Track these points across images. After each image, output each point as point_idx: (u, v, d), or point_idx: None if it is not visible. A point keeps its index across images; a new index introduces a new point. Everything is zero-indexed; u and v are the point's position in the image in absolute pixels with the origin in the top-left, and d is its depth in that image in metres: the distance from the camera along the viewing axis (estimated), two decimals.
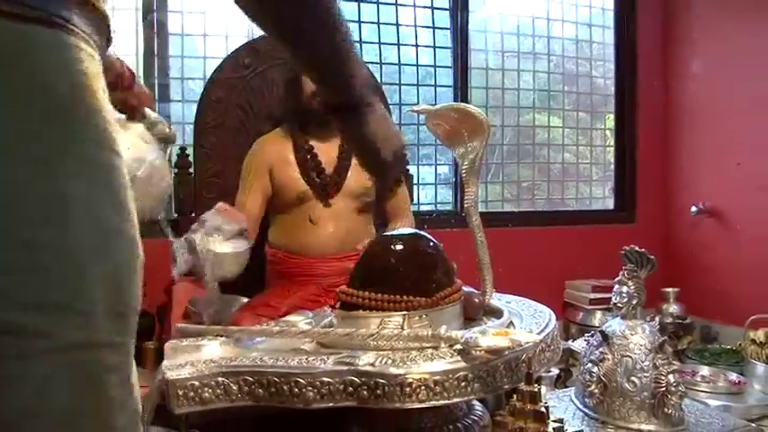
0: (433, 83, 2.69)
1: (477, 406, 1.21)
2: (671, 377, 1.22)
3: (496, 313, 1.24)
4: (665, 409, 1.20)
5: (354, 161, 1.62)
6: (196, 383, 0.99)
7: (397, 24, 2.61)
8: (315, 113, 1.58)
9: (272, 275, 1.71)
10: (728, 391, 1.91)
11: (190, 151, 2.00)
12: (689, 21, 2.87)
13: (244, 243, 1.24)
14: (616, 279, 1.35)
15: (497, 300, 1.31)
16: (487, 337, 0.96)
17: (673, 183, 2.96)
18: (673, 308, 2.55)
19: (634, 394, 1.24)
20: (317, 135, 1.63)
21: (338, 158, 1.62)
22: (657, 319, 1.39)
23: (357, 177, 1.61)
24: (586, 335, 1.51)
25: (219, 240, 1.17)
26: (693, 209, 2.77)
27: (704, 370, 2.04)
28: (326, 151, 1.62)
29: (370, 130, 0.70)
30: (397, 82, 2.62)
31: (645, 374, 1.23)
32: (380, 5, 2.58)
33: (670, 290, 2.58)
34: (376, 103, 0.71)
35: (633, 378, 1.24)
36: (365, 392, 0.93)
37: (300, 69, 0.60)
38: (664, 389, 1.21)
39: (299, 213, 1.60)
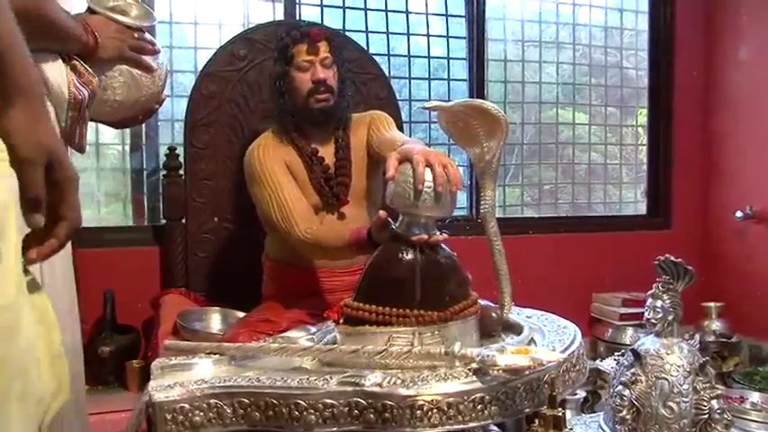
0: (446, 76, 2.71)
1: (495, 431, 1.22)
2: (714, 403, 1.22)
3: (516, 329, 1.25)
4: None
5: (354, 160, 1.65)
6: (186, 406, 1.00)
7: (407, 12, 2.63)
8: (313, 114, 1.60)
9: (269, 290, 1.73)
10: None
11: (180, 151, 2.03)
12: (735, 3, 2.87)
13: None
14: (649, 292, 1.35)
15: (517, 314, 1.32)
16: (506, 355, 0.97)
17: (714, 184, 2.95)
18: (715, 325, 2.54)
19: (671, 421, 1.24)
20: (316, 137, 1.65)
21: (338, 159, 1.65)
22: (697, 337, 1.38)
23: (360, 175, 1.65)
24: (616, 354, 1.51)
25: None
26: (739, 213, 2.76)
27: (755, 396, 2.00)
28: (328, 154, 1.65)
29: None
30: (407, 75, 2.64)
31: (684, 399, 1.23)
32: None
33: (712, 304, 2.57)
34: None
35: (670, 403, 1.24)
36: (372, 416, 0.94)
37: None
38: (706, 416, 1.21)
39: None
